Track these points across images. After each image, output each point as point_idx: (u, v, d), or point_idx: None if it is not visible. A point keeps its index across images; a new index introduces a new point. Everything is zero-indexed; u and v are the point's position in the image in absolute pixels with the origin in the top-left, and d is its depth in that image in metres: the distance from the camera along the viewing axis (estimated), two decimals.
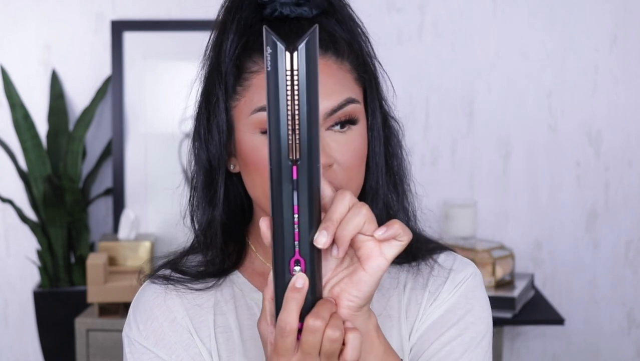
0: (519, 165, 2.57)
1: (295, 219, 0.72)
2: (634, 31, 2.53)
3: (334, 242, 0.73)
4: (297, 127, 0.71)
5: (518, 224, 2.59)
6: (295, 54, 0.69)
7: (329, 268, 0.77)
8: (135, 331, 0.96)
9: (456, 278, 0.99)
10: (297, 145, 0.71)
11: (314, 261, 0.73)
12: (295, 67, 0.69)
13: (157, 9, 2.49)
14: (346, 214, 0.74)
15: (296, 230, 0.72)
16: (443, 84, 2.54)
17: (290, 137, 0.70)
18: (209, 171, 0.96)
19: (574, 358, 2.62)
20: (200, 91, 0.96)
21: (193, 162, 0.98)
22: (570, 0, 2.52)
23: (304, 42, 0.69)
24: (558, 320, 2.19)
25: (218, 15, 0.95)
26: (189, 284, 0.97)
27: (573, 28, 2.53)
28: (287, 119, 0.70)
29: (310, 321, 0.72)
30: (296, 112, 0.70)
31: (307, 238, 0.72)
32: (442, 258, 1.01)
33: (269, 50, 0.69)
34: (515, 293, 2.21)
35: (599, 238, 2.59)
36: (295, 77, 0.69)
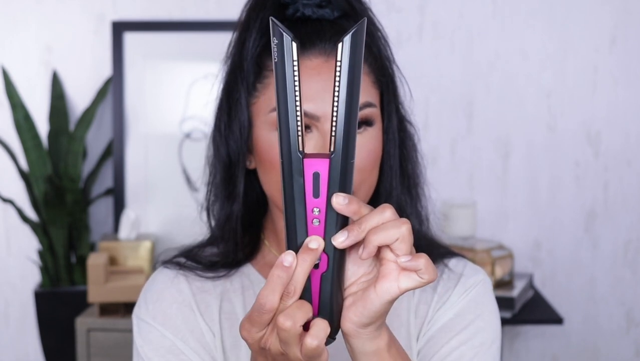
0: (519, 165, 2.57)
1: (316, 214, 0.71)
2: (633, 32, 2.54)
3: (362, 243, 0.72)
4: (334, 119, 0.69)
5: (517, 224, 2.59)
6: (340, 45, 0.68)
7: (351, 273, 0.75)
8: (144, 311, 0.99)
9: (466, 282, 0.99)
10: (333, 138, 0.70)
11: (335, 259, 0.72)
12: (339, 58, 0.68)
13: (158, 10, 2.50)
14: (380, 225, 0.71)
15: (316, 225, 0.71)
16: (442, 85, 2.55)
17: (299, 129, 0.69)
18: (228, 166, 0.97)
19: (573, 357, 2.63)
20: (221, 87, 0.98)
21: (212, 157, 0.99)
22: (570, 1, 2.53)
23: (350, 34, 0.68)
24: (557, 320, 2.20)
25: (241, 15, 0.96)
26: (199, 272, 0.99)
27: (572, 29, 2.54)
28: (297, 111, 0.69)
29: (281, 319, 0.70)
30: (335, 104, 0.69)
31: (333, 235, 0.71)
32: (453, 262, 1.01)
33: (276, 42, 0.68)
34: (515, 292, 2.21)
35: (598, 238, 2.60)
36: (338, 69, 0.68)
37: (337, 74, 0.69)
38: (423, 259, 0.71)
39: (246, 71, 0.93)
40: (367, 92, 0.91)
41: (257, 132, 0.93)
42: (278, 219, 0.98)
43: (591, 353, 2.63)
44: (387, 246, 0.72)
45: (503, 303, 2.17)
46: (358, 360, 0.77)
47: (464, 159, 2.57)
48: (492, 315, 0.98)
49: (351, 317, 0.74)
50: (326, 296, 0.72)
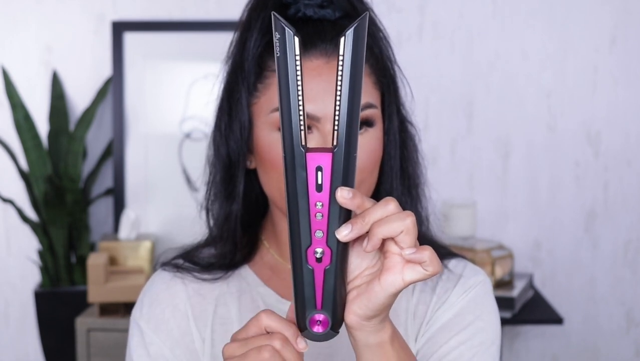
0: (519, 165, 2.57)
1: (319, 207, 0.71)
2: (633, 32, 2.54)
3: (365, 236, 0.72)
4: (337, 113, 0.70)
5: (517, 224, 2.59)
6: (342, 39, 0.68)
7: (355, 266, 0.76)
8: (139, 314, 1.00)
9: (466, 283, 0.99)
10: (336, 132, 0.70)
11: (338, 253, 0.72)
12: (341, 52, 0.69)
13: (158, 10, 2.50)
14: (384, 217, 0.72)
15: (319, 219, 0.71)
16: (442, 85, 2.55)
17: (302, 124, 0.69)
18: (228, 166, 0.97)
19: (573, 357, 2.63)
20: (222, 87, 0.98)
21: (212, 157, 0.99)
22: (570, 1, 2.53)
23: (353, 28, 0.68)
24: (557, 320, 2.20)
25: (242, 15, 0.96)
26: (197, 274, 1.00)
27: (572, 29, 2.54)
28: (299, 106, 0.69)
29: (263, 338, 0.73)
30: (338, 98, 0.69)
31: (336, 229, 0.72)
32: (453, 263, 1.01)
33: (278, 36, 0.68)
34: (515, 292, 2.21)
35: (598, 238, 2.60)
36: (340, 64, 0.69)
37: (340, 68, 0.69)
38: (427, 252, 0.72)
39: (247, 71, 0.93)
40: (368, 93, 0.91)
41: (258, 133, 0.93)
42: (278, 219, 0.98)
43: (591, 353, 2.63)
44: (392, 238, 0.72)
45: (503, 303, 2.17)
46: (361, 353, 0.77)
47: (464, 159, 2.57)
48: (492, 315, 0.98)
49: (355, 310, 0.74)
50: (329, 289, 0.73)
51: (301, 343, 0.74)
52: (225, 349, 0.75)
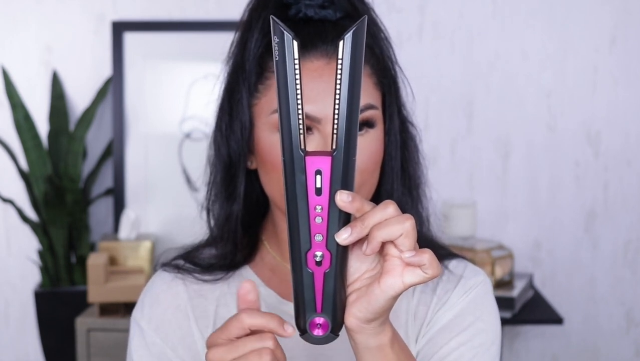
0: (519, 165, 2.58)
1: (318, 211, 0.71)
2: (633, 32, 2.54)
3: (365, 239, 0.72)
4: (336, 117, 0.70)
5: (517, 224, 2.59)
6: (341, 43, 0.69)
7: (355, 269, 0.76)
8: (140, 314, 1.00)
9: (466, 284, 0.99)
10: (335, 135, 0.70)
11: (337, 256, 0.72)
12: (340, 56, 0.69)
13: (158, 10, 2.50)
14: (383, 221, 0.72)
15: (318, 222, 0.71)
16: (442, 85, 2.55)
17: (301, 128, 0.70)
18: (229, 167, 0.97)
19: (573, 357, 2.63)
20: (223, 87, 0.97)
21: (213, 157, 0.99)
22: (570, 1, 2.53)
23: (351, 31, 0.68)
24: (557, 320, 2.20)
25: (243, 15, 0.96)
26: (197, 275, 1.00)
27: (572, 29, 2.54)
28: (298, 109, 0.69)
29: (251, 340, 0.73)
30: (337, 102, 0.70)
31: (335, 232, 0.72)
32: (454, 264, 1.01)
33: (277, 40, 0.69)
34: (515, 292, 2.21)
35: (598, 238, 2.60)
36: (339, 67, 0.69)
37: (339, 72, 0.69)
38: (427, 255, 0.72)
39: (248, 72, 0.93)
40: (369, 94, 0.91)
41: (259, 134, 0.93)
42: (279, 220, 0.98)
43: (591, 353, 2.63)
44: (391, 241, 0.72)
45: (503, 303, 2.17)
46: (361, 356, 0.77)
47: (464, 159, 2.57)
48: (492, 316, 0.98)
49: (355, 313, 0.74)
50: (329, 293, 0.73)
51: (288, 329, 0.74)
52: (210, 354, 0.74)
